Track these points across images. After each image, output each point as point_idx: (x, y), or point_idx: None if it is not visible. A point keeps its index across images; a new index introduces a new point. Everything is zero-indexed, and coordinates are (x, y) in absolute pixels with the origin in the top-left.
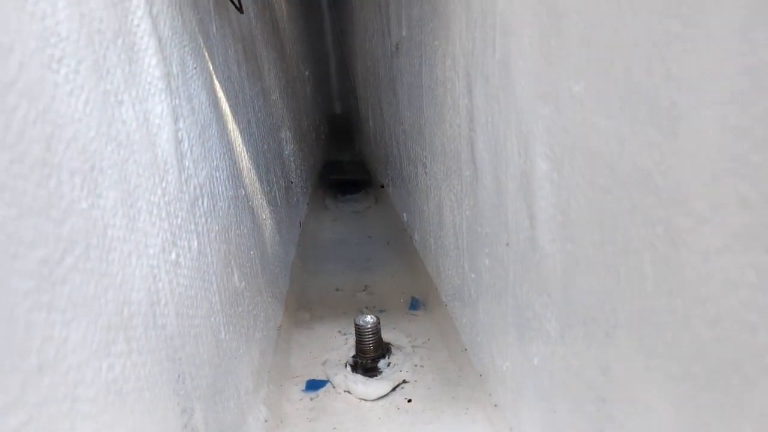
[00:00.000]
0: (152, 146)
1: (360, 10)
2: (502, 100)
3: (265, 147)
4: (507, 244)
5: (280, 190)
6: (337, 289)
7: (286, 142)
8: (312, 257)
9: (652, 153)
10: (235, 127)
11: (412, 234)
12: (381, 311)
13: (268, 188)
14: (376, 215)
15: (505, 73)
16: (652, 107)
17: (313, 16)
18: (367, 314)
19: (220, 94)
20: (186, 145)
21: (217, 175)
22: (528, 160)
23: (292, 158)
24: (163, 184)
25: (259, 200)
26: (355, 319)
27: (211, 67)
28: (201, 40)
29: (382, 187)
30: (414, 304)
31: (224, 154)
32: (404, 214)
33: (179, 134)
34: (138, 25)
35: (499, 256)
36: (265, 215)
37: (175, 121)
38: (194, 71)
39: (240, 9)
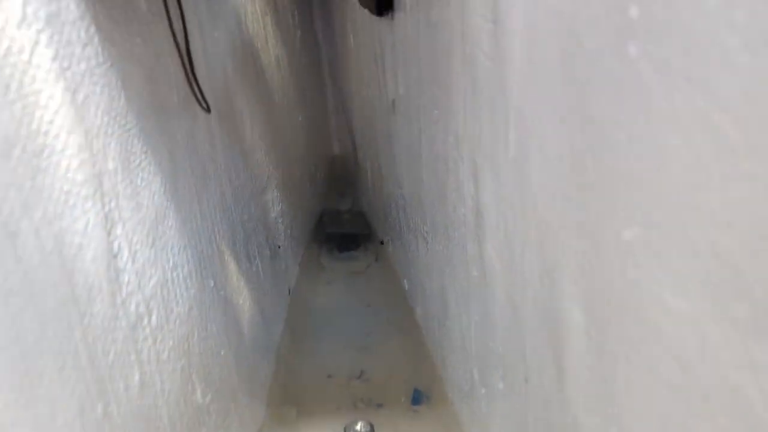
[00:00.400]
0: (68, 276)
1: (356, 54)
2: (517, 208)
3: (245, 217)
4: (525, 380)
5: (264, 260)
6: (329, 376)
7: (273, 203)
8: (302, 333)
9: (752, 370)
10: (202, 207)
11: (414, 306)
12: (378, 406)
13: (248, 264)
14: (376, 277)
15: (521, 179)
16: (756, 301)
17: (307, 54)
18: (359, 421)
19: (182, 173)
20: (125, 256)
21: (174, 275)
22: (553, 297)
23: (280, 219)
24: (85, 321)
25: (235, 284)
26: (345, 428)
27: (167, 144)
28: (153, 115)
29: (382, 243)
30: (416, 398)
31: (186, 246)
32: (405, 281)
33: (115, 245)
34: (51, 122)
35: (516, 386)
36: (243, 299)
37: (109, 230)
38: (143, 156)
39: (206, 108)
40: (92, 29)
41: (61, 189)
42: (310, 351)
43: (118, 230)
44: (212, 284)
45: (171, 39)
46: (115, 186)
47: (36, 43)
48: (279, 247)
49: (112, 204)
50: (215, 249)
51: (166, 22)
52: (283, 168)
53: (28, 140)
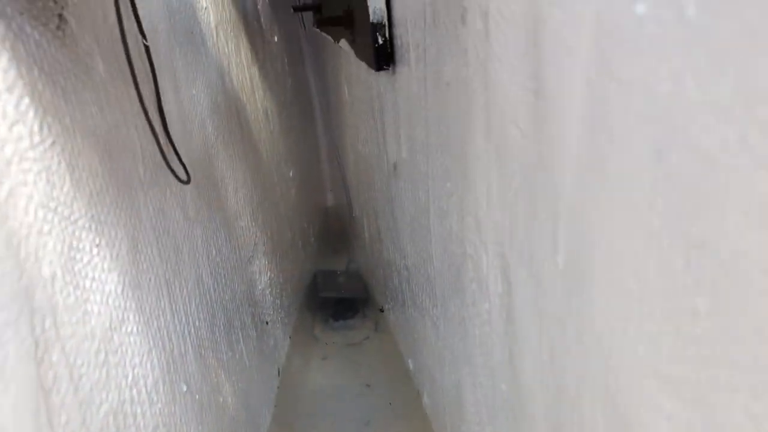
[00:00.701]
0: None
1: (351, 106)
2: (571, 332)
3: (227, 297)
4: None
5: (250, 343)
6: None
7: (261, 272)
8: (292, 422)
9: None
10: (174, 298)
11: (420, 390)
12: None
13: (230, 353)
14: (376, 351)
15: (578, 298)
16: None
17: (299, 102)
18: None
19: (147, 263)
20: (63, 388)
21: (134, 393)
22: None
23: (268, 290)
24: None
25: (214, 380)
26: None
27: (128, 230)
28: (110, 197)
29: (382, 311)
30: None
31: (150, 350)
32: (410, 361)
33: (48, 377)
34: None
35: None
36: (224, 395)
37: (40, 359)
38: (95, 252)
39: (185, 179)
40: (25, 103)
41: None
42: None
43: (54, 356)
44: (185, 389)
45: (137, 103)
46: (51, 297)
47: None
48: (267, 323)
49: (47, 323)
50: (189, 346)
51: (129, 85)
52: (272, 230)
53: None
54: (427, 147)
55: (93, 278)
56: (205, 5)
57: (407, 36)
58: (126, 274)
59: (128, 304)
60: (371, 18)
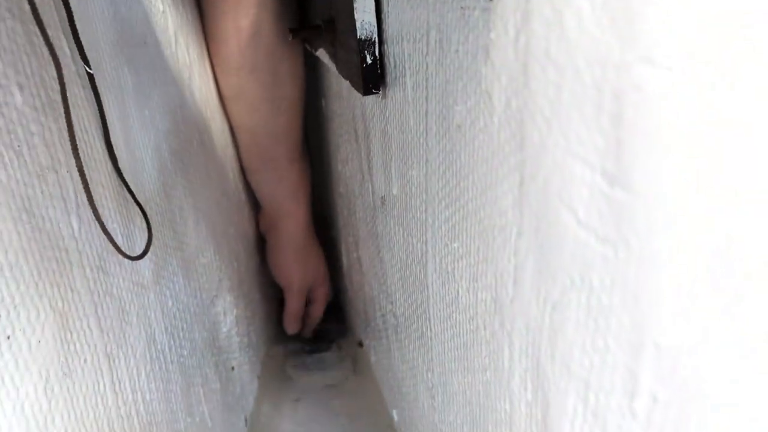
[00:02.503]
0: None
1: (329, 122)
2: None
3: (185, 353)
4: None
5: (213, 398)
6: None
7: (226, 312)
8: None
9: None
10: (116, 376)
11: None
12: None
13: (189, 419)
14: (356, 396)
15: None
16: None
17: None
18: None
19: (80, 345)
20: None
21: None
22: None
23: (234, 330)
24: None
25: None
26: None
27: (51, 317)
28: (25, 280)
29: (361, 345)
30: None
31: None
32: (394, 413)
33: None
34: None
35: None
36: None
37: None
38: (7, 344)
39: (139, 255)
40: None
41: None
42: None
43: None
44: None
45: (67, 142)
46: None
47: None
48: (233, 368)
49: None
50: (135, 430)
51: (60, 117)
52: (238, 260)
53: None
54: (427, 193)
55: (1, 383)
56: (162, 8)
57: (403, 57)
58: (51, 364)
59: (53, 404)
60: (359, 33)
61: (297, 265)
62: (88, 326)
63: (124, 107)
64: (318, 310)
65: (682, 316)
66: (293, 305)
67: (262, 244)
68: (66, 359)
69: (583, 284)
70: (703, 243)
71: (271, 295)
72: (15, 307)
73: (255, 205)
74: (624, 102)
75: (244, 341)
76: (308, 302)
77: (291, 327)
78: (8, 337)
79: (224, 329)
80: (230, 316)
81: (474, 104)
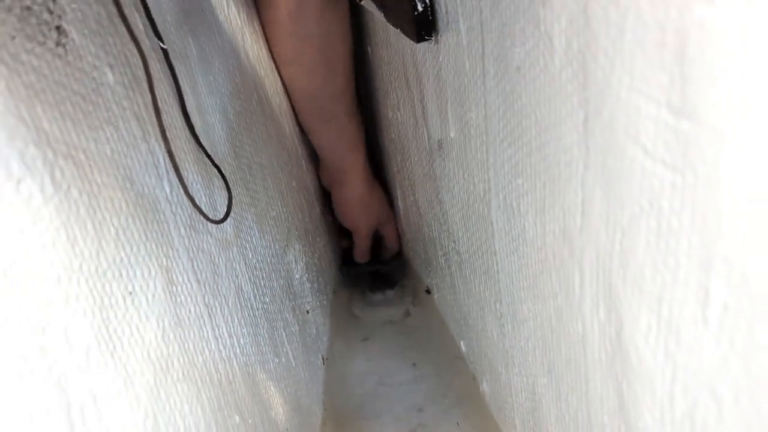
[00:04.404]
0: None
1: (377, 69)
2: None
3: (267, 299)
4: None
5: (294, 341)
6: None
7: (296, 260)
8: (343, 415)
9: None
10: (215, 324)
11: (477, 377)
12: None
13: (276, 361)
14: (421, 331)
15: (741, 359)
16: None
17: None
18: None
19: (186, 296)
20: None
21: None
22: None
23: (306, 276)
24: None
25: (265, 397)
26: None
27: (162, 267)
28: (137, 233)
29: (428, 292)
30: None
31: (197, 395)
32: (462, 344)
33: None
34: None
35: None
36: (276, 409)
37: None
38: (129, 299)
39: (220, 218)
40: (31, 152)
41: None
42: None
43: None
44: (237, 420)
45: (152, 114)
46: (88, 379)
47: None
48: (308, 311)
49: (86, 414)
50: (236, 371)
51: (145, 91)
52: (302, 212)
53: None
54: (487, 134)
55: (130, 334)
56: None
57: (455, 2)
58: (165, 315)
59: (171, 350)
60: None
61: (363, 211)
62: (188, 280)
63: (193, 76)
64: (392, 242)
65: (748, 232)
66: (362, 246)
67: (321, 195)
68: (175, 311)
69: (652, 210)
70: (765, 164)
71: (334, 241)
72: (132, 266)
73: (311, 157)
74: (687, 40)
75: (314, 286)
76: (380, 237)
77: (362, 259)
78: (130, 293)
79: (297, 276)
80: (301, 263)
81: (533, 46)
